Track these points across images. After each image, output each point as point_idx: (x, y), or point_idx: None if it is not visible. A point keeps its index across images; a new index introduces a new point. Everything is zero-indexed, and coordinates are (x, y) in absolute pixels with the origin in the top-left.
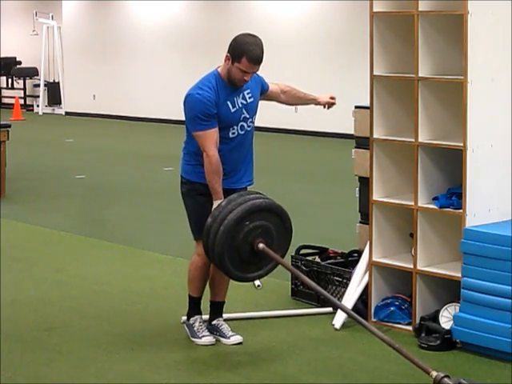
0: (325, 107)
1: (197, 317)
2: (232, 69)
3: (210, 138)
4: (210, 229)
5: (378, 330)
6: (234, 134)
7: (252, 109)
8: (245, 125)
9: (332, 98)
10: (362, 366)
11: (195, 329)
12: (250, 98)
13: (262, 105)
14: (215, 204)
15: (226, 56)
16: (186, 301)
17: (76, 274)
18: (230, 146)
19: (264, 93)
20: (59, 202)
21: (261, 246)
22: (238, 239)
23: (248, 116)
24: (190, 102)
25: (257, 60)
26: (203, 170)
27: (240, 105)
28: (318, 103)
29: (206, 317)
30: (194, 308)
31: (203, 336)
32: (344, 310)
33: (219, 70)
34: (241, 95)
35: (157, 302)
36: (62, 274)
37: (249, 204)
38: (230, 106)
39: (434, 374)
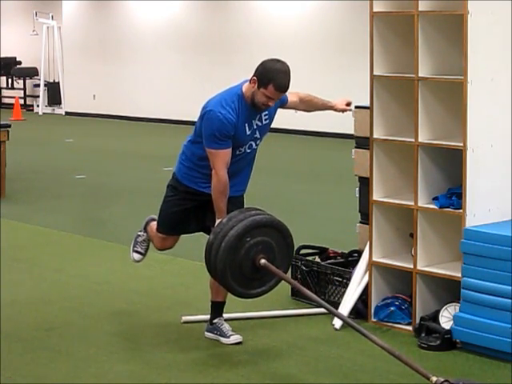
0: (343, 112)
1: (221, 317)
2: (257, 93)
3: (223, 158)
4: (212, 246)
5: (377, 338)
6: (240, 151)
7: (265, 130)
8: (253, 144)
9: (348, 105)
10: (362, 366)
11: (224, 330)
12: (266, 119)
13: None
14: (217, 222)
15: (252, 79)
16: (186, 302)
17: (76, 273)
18: (232, 160)
19: (283, 106)
20: (59, 202)
21: (262, 261)
22: (239, 255)
23: (259, 137)
24: (210, 118)
25: (284, 88)
26: (196, 174)
27: (255, 126)
28: (334, 110)
29: (206, 317)
30: (219, 311)
31: (231, 335)
32: (347, 321)
33: (244, 89)
34: (258, 116)
35: (157, 302)
36: (62, 274)
37: (249, 220)
38: (247, 129)
39: (434, 379)
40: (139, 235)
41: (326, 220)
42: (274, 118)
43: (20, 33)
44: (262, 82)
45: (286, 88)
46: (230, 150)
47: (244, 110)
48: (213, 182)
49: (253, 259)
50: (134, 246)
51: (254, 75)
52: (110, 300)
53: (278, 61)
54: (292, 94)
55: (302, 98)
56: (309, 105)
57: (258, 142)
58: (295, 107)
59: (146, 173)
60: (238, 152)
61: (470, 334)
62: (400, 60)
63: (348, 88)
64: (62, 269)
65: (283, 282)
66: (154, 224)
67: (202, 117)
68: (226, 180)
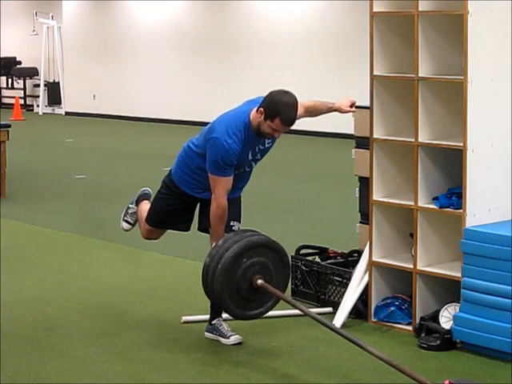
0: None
1: (220, 318)
2: (263, 124)
3: (224, 185)
4: (209, 268)
5: (375, 350)
6: (239, 171)
7: (266, 151)
8: (253, 163)
9: (352, 105)
10: (362, 366)
11: (224, 330)
12: (268, 142)
13: None
14: (213, 245)
15: (259, 110)
16: (186, 302)
17: (76, 273)
18: None
19: None
20: (59, 202)
21: (259, 281)
22: (236, 276)
23: (260, 158)
24: (215, 145)
25: (290, 123)
26: (192, 181)
27: (257, 150)
28: (339, 111)
29: (206, 317)
30: (218, 312)
31: (231, 335)
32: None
33: (251, 117)
34: (261, 141)
35: (157, 301)
36: (62, 274)
37: (245, 241)
38: (250, 155)
39: None
40: (130, 207)
41: (326, 220)
42: (276, 139)
43: (20, 33)
44: (269, 114)
45: (293, 122)
46: (231, 178)
47: (249, 138)
48: (212, 208)
49: (250, 280)
50: (125, 216)
51: (261, 105)
52: (110, 300)
53: (286, 93)
54: (298, 108)
55: (307, 107)
56: (313, 112)
57: (257, 162)
58: (300, 117)
59: (145, 173)
60: (237, 172)
61: (470, 334)
62: (400, 60)
63: (348, 88)
64: (62, 269)
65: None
66: (145, 206)
67: (207, 140)
68: (226, 206)
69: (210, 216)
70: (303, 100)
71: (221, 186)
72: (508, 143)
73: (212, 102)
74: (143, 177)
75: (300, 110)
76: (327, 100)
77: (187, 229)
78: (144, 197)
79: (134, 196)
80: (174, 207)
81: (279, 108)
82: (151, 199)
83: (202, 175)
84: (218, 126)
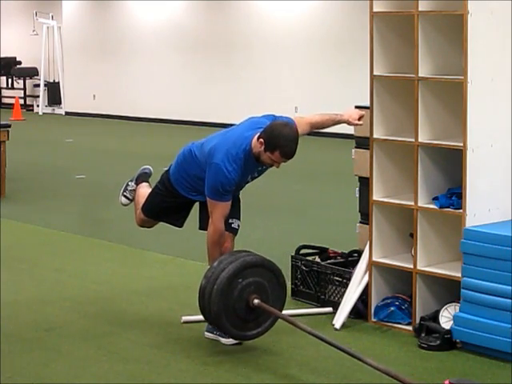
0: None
1: None
2: (263, 154)
3: (222, 210)
4: (205, 290)
5: (374, 362)
6: (238, 187)
7: (264, 171)
8: (250, 181)
9: (360, 119)
10: (362, 366)
11: None
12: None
13: (262, 104)
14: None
15: (260, 140)
16: (186, 302)
17: (76, 273)
18: None
19: None
20: (59, 202)
21: (256, 301)
22: (232, 297)
23: (257, 176)
24: (216, 172)
25: (290, 156)
26: (189, 186)
27: (257, 173)
28: (347, 123)
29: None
30: None
31: None
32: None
33: (252, 145)
34: (261, 165)
35: (157, 301)
36: (62, 274)
37: (240, 261)
38: (249, 177)
39: None
40: (129, 185)
41: (326, 220)
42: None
43: (20, 33)
44: (269, 146)
45: (293, 155)
46: (229, 203)
47: (249, 165)
48: (208, 232)
49: (246, 300)
50: (124, 191)
51: (261, 135)
52: (110, 300)
53: (287, 125)
54: (303, 125)
55: (313, 123)
56: (319, 127)
57: (254, 180)
58: (304, 134)
59: None
60: (234, 188)
61: (470, 334)
62: (400, 60)
63: (348, 88)
64: (62, 269)
65: None
66: (143, 191)
67: (208, 164)
68: (222, 231)
69: (207, 239)
70: (307, 115)
71: (219, 211)
72: (508, 143)
73: (212, 102)
74: None
75: (305, 127)
76: (334, 111)
77: (181, 225)
78: (144, 177)
79: (134, 175)
80: (170, 204)
81: (279, 141)
82: (151, 186)
83: (199, 183)
84: (219, 149)
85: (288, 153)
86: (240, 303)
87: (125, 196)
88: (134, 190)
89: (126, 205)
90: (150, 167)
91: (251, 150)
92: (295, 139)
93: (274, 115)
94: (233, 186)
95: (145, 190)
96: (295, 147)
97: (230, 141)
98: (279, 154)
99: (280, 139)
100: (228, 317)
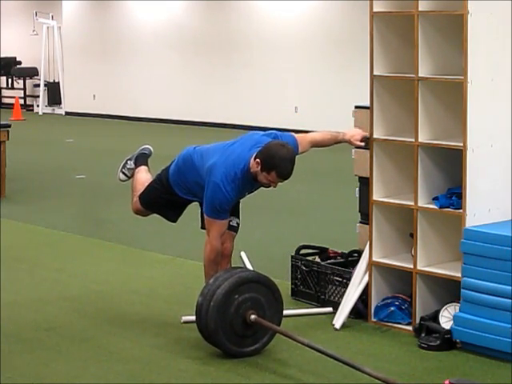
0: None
1: None
2: (260, 174)
3: (219, 228)
4: (201, 307)
5: (372, 370)
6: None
7: (261, 186)
8: (246, 195)
9: (362, 140)
10: (362, 366)
11: None
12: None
13: (262, 104)
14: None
15: (256, 161)
16: (186, 302)
17: (76, 273)
18: None
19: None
20: (59, 202)
21: (253, 317)
22: (229, 313)
23: (254, 191)
24: (214, 190)
25: (287, 177)
26: (186, 187)
27: (254, 189)
28: (349, 143)
29: None
30: None
31: None
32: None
33: (250, 165)
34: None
35: (157, 301)
36: (62, 274)
37: (235, 277)
38: (247, 193)
39: None
40: (128, 163)
41: (326, 220)
42: None
43: (20, 33)
44: (266, 167)
45: (289, 176)
46: (226, 222)
47: (246, 183)
48: (205, 250)
49: (243, 316)
50: (123, 168)
51: (258, 156)
52: (110, 300)
53: (283, 146)
54: (304, 143)
55: (314, 142)
56: (320, 146)
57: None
58: (304, 152)
59: None
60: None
61: (470, 334)
62: (400, 60)
63: (348, 88)
64: (62, 269)
65: (283, 282)
66: (141, 176)
67: (207, 182)
68: (219, 249)
69: (204, 257)
70: (309, 134)
71: (215, 229)
72: (508, 143)
73: (212, 102)
74: None
75: (306, 145)
76: (336, 130)
77: (175, 221)
78: (143, 158)
79: (134, 153)
80: (166, 201)
81: (276, 162)
82: (149, 170)
83: (196, 188)
84: (219, 168)
85: (284, 173)
86: (237, 319)
87: (123, 172)
88: (133, 169)
89: (123, 181)
90: (150, 147)
91: (249, 170)
92: (292, 160)
93: (275, 133)
94: (230, 205)
95: (143, 175)
96: (292, 168)
97: (229, 159)
98: (275, 174)
99: (277, 160)
100: (225, 334)
